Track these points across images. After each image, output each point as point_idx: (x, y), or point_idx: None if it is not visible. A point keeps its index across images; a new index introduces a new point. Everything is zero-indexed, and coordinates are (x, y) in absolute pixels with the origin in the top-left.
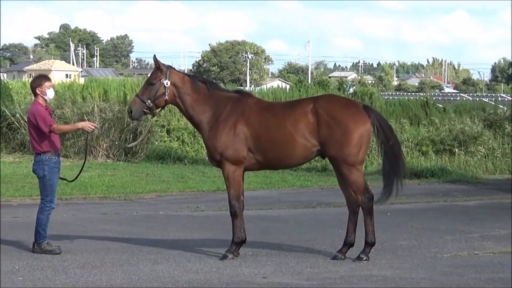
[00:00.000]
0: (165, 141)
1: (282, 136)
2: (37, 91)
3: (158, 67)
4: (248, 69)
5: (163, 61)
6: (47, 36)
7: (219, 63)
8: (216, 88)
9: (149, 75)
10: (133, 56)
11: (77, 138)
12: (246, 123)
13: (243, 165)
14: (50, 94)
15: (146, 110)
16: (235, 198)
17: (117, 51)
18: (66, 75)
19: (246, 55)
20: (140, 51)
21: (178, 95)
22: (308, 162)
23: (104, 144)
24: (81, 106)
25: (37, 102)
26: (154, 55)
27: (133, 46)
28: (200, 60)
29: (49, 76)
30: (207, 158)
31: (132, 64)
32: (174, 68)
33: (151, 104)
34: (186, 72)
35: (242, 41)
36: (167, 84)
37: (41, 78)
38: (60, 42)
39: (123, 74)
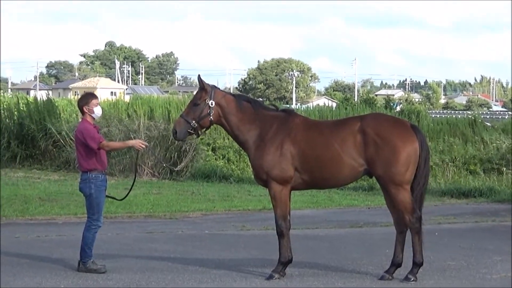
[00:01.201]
0: (210, 160)
1: (328, 155)
2: (85, 109)
3: (203, 87)
4: (294, 87)
5: (209, 79)
6: (93, 54)
7: (265, 81)
8: (261, 107)
9: (193, 95)
10: (178, 74)
11: (123, 156)
12: (293, 142)
13: (290, 185)
14: (97, 111)
15: (190, 131)
16: (282, 217)
17: (162, 69)
18: (111, 92)
19: (292, 73)
20: (185, 68)
21: (223, 115)
22: (355, 181)
23: (149, 162)
24: (127, 124)
25: (85, 120)
26: (199, 75)
27: (178, 64)
28: (245, 78)
29: (95, 93)
30: (253, 177)
31: (177, 82)
32: (219, 88)
33: (196, 125)
34: (231, 90)
35: (288, 59)
36: (211, 104)
37: (88, 96)
38: (106, 60)
39: (168, 91)
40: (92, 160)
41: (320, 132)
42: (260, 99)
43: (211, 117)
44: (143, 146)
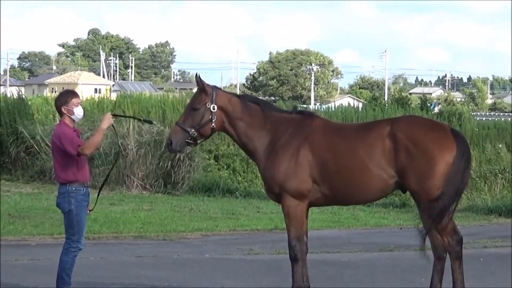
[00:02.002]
0: (212, 170)
1: (353, 165)
2: (63, 109)
3: (202, 89)
4: (312, 83)
5: (210, 74)
6: (73, 43)
7: (278, 77)
8: (272, 109)
9: (191, 98)
10: (174, 68)
11: (108, 165)
12: (311, 149)
13: (307, 199)
14: (78, 113)
15: (189, 140)
16: (296, 238)
17: (156, 61)
18: (95, 89)
19: (311, 67)
20: (183, 61)
21: (228, 120)
22: (384, 196)
23: (140, 173)
24: (114, 127)
25: (63, 123)
26: (197, 74)
27: (175, 56)
28: (255, 73)
29: (76, 91)
30: (263, 190)
31: (173, 77)
32: (221, 89)
33: (195, 134)
34: (238, 87)
35: (306, 50)
36: (213, 108)
37: (68, 95)
38: (89, 51)
39: (163, 88)
40: (72, 170)
41: (343, 137)
42: (272, 98)
43: (213, 124)
44: (111, 120)
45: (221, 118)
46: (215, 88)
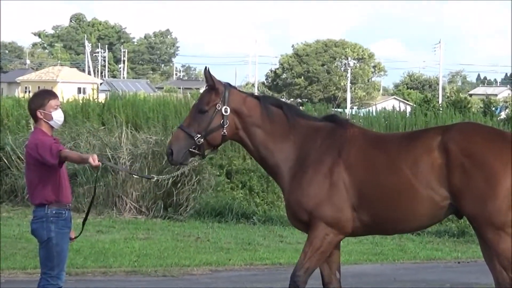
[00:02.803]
0: (224, 189)
1: (395, 184)
2: (39, 114)
3: (213, 86)
4: (349, 82)
5: (222, 70)
6: (52, 32)
7: (306, 74)
8: (298, 114)
9: (198, 98)
10: (177, 62)
11: (94, 183)
12: (346, 166)
13: (345, 231)
14: (57, 118)
15: (194, 150)
16: (306, 269)
17: (154, 55)
18: (79, 89)
19: (347, 62)
20: (188, 54)
21: (243, 126)
22: (436, 223)
23: (133, 193)
24: (102, 136)
25: (39, 130)
26: (206, 68)
27: (177, 48)
28: (277, 69)
29: (55, 91)
30: (286, 217)
31: (176, 74)
32: (235, 88)
33: (202, 141)
34: (256, 87)
35: (341, 41)
36: (225, 111)
37: (44, 96)
38: (71, 41)
39: (163, 88)
40: (50, 188)
41: (384, 150)
42: (299, 100)
43: (225, 131)
44: (97, 165)
45: (235, 123)
46: (228, 86)
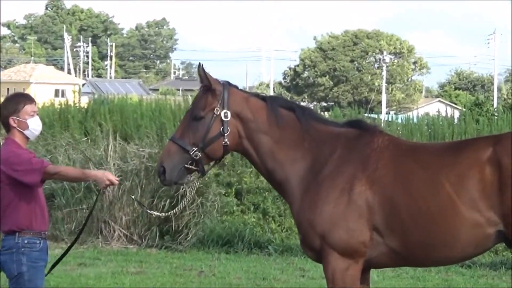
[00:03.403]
0: (233, 213)
1: (435, 205)
2: (12, 122)
3: (209, 87)
4: (384, 81)
5: (230, 68)
6: (24, 23)
7: (333, 71)
8: (314, 118)
9: (192, 101)
10: (176, 59)
11: (76, 205)
12: (371, 182)
13: (363, 258)
14: (34, 126)
15: (190, 166)
16: None
17: (147, 49)
18: (57, 91)
19: (381, 58)
20: (189, 49)
21: (247, 134)
22: (485, 252)
23: (123, 217)
24: (85, 148)
25: (12, 142)
26: (200, 65)
27: (176, 41)
28: (297, 66)
29: (28, 93)
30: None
31: (174, 72)
32: (236, 86)
33: (199, 154)
34: (271, 88)
35: (374, 32)
36: (225, 116)
37: (18, 100)
38: (47, 33)
39: (158, 90)
40: (23, 212)
41: (421, 162)
42: (323, 103)
43: (226, 140)
44: (113, 183)
45: (237, 130)
46: (227, 85)
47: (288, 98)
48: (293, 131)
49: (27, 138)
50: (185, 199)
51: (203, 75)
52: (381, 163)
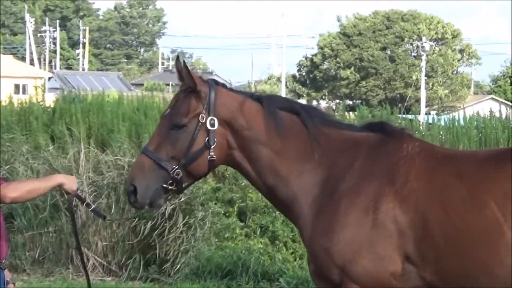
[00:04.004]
0: (235, 236)
1: (476, 227)
2: None
3: (192, 86)
4: (423, 75)
5: (233, 58)
6: None
7: (359, 62)
8: (325, 121)
9: (169, 106)
10: (164, 46)
11: (41, 227)
12: (400, 199)
13: None
14: None
15: (169, 186)
16: None
17: (129, 34)
18: (17, 86)
19: (420, 44)
20: (179, 34)
21: (239, 144)
22: None
23: (99, 243)
24: (51, 157)
25: None
26: (179, 59)
27: (165, 25)
28: (315, 55)
29: None
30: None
31: (162, 63)
32: (225, 86)
33: (180, 173)
34: (283, 83)
35: (411, 13)
36: (212, 124)
37: None
38: (4, 15)
39: (142, 84)
40: None
41: (460, 175)
42: (348, 101)
43: (212, 154)
44: (74, 189)
45: (226, 141)
46: (213, 84)
47: (304, 95)
48: (299, 139)
49: None
50: (173, 220)
51: (185, 72)
52: (412, 175)
